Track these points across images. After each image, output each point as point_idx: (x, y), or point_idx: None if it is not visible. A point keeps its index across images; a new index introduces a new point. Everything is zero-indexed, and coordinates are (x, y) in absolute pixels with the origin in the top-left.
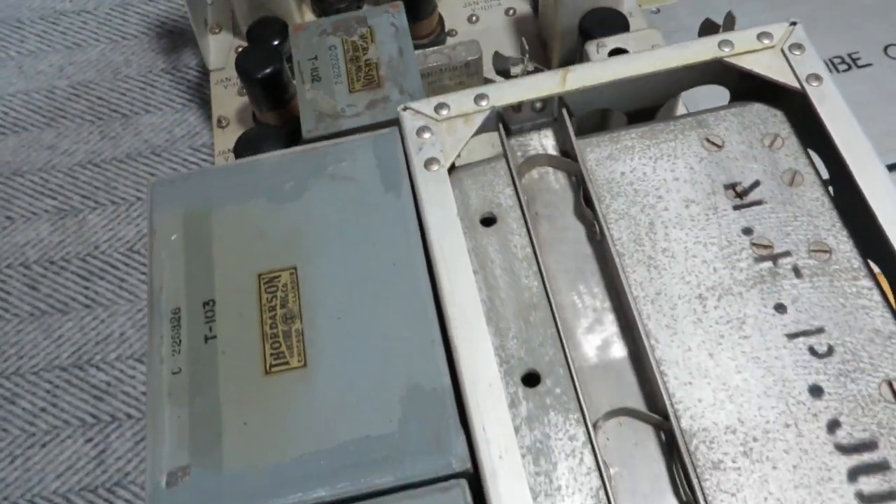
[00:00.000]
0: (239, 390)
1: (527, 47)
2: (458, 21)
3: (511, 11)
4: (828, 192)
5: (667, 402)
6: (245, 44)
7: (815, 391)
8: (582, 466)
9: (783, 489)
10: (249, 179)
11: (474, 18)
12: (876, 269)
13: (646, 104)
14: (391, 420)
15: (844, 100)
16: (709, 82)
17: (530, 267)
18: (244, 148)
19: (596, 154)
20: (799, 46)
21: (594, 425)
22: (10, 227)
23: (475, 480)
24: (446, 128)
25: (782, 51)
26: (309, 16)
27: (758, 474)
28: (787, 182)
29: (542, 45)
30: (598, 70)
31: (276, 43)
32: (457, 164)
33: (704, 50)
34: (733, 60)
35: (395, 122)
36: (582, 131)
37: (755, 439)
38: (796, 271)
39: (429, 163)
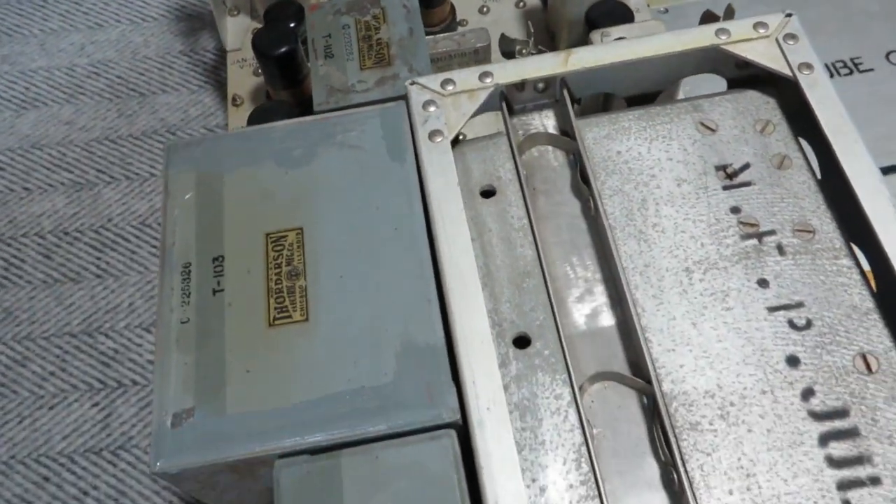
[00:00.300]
0: (243, 340)
1: (532, 30)
2: (470, 11)
3: (521, 3)
4: (815, 176)
5: (650, 367)
6: (262, 26)
7: (792, 361)
8: (566, 423)
9: (756, 451)
10: (261, 145)
11: (485, 9)
12: None
13: (645, 89)
14: (386, 373)
15: (837, 91)
16: (706, 71)
17: (526, 237)
18: (256, 121)
19: (594, 133)
20: (793, 36)
21: (580, 388)
22: (28, 197)
23: (464, 432)
24: (451, 102)
25: (777, 40)
26: None
27: (733, 436)
28: (776, 165)
29: (551, 36)
30: (599, 52)
31: (291, 25)
32: (461, 139)
33: (702, 37)
34: (729, 48)
35: (403, 98)
36: (584, 116)
37: (732, 404)
38: (780, 249)
39: (433, 134)
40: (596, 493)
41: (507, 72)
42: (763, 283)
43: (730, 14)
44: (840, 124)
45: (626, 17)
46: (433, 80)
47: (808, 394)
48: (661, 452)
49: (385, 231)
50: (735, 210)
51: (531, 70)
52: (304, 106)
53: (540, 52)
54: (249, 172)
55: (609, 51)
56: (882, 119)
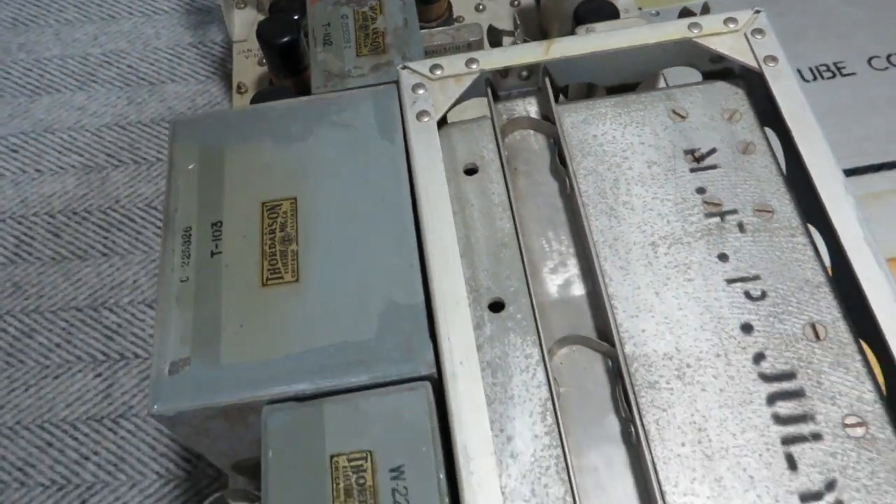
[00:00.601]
0: (238, 298)
1: (518, 22)
2: (466, 9)
3: (516, 2)
4: (777, 161)
5: (614, 331)
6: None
7: (746, 328)
8: (534, 380)
9: (709, 408)
10: (260, 122)
11: (481, 7)
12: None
13: (624, 79)
14: (369, 329)
15: (820, 94)
16: (681, 64)
17: (505, 212)
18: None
19: (572, 118)
20: (760, 31)
21: (549, 350)
22: (39, 178)
23: (439, 386)
24: (439, 86)
25: (745, 35)
26: None
27: (688, 394)
28: (741, 151)
29: (543, 34)
30: (579, 43)
31: (295, 18)
32: (448, 121)
33: (675, 30)
34: (700, 41)
35: (396, 83)
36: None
37: (688, 365)
38: (741, 227)
39: (420, 115)
40: (559, 442)
41: (492, 58)
42: (723, 257)
43: (706, 12)
44: (800, 113)
45: (613, 15)
46: (423, 65)
47: (759, 358)
48: (621, 409)
49: (373, 202)
50: (700, 191)
51: (514, 57)
52: (304, 95)
53: (526, 42)
54: (249, 147)
55: (588, 41)
56: (862, 121)
